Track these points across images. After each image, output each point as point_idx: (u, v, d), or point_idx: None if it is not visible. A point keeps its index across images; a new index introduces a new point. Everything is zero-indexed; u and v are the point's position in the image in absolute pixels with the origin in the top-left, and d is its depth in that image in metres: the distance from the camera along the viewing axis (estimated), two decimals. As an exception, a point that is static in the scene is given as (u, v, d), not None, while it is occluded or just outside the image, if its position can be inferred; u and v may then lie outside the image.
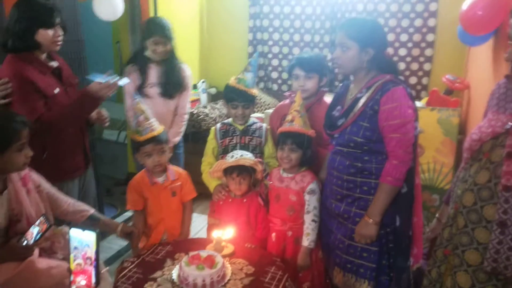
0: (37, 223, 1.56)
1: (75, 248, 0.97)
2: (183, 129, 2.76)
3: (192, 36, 4.23)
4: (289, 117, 1.96)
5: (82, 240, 0.97)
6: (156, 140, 1.97)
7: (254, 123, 2.21)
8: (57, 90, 1.95)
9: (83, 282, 0.97)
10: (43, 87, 1.89)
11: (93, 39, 3.76)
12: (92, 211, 1.85)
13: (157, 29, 2.48)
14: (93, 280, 0.96)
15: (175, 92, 2.63)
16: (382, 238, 1.71)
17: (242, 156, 1.93)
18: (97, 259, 0.96)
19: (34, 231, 1.55)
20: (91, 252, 0.96)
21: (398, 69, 1.80)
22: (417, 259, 1.77)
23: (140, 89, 2.55)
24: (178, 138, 2.71)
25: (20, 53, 1.88)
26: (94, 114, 2.23)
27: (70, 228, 1.00)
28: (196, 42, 4.31)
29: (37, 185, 1.72)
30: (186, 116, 2.77)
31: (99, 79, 1.93)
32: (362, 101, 1.69)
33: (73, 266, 0.97)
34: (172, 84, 2.60)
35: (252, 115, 2.29)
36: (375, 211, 1.68)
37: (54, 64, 2.01)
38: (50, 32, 1.90)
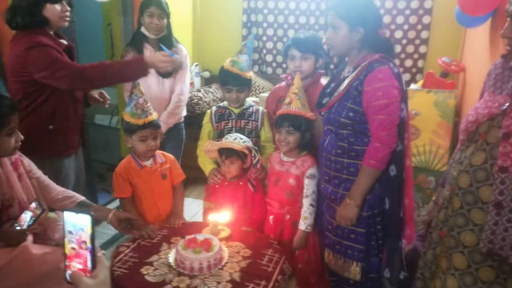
0: (30, 208, 1.53)
1: (69, 232, 0.94)
2: (178, 111, 2.68)
3: (185, 18, 4.15)
4: (287, 100, 1.93)
5: (76, 223, 0.94)
6: (154, 125, 1.93)
7: (250, 106, 2.18)
8: None
9: (79, 266, 0.94)
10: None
11: (84, 21, 3.67)
12: (82, 198, 1.82)
13: (152, 1, 2.47)
14: (89, 264, 0.93)
15: (170, 74, 2.58)
16: (369, 220, 1.70)
17: (235, 139, 1.91)
18: (92, 242, 0.93)
19: (27, 216, 1.52)
20: (85, 236, 0.93)
21: (392, 48, 1.75)
22: (410, 240, 1.76)
23: None
24: (171, 120, 2.66)
25: (30, 30, 1.84)
26: (96, 94, 2.20)
27: (63, 212, 0.97)
28: (189, 24, 4.23)
29: (28, 170, 1.68)
30: (183, 97, 2.69)
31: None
32: (346, 81, 1.67)
33: (68, 250, 0.94)
34: None
35: (247, 99, 2.25)
36: (356, 193, 1.66)
37: (64, 42, 1.97)
38: (58, 7, 1.86)
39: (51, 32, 1.93)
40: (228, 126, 2.15)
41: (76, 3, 2.71)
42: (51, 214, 1.66)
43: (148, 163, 1.99)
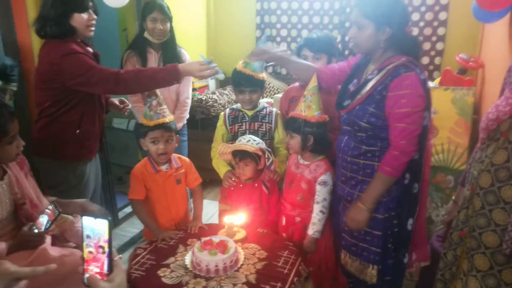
0: (46, 211, 1.57)
1: (88, 236, 0.95)
2: (185, 114, 2.72)
3: (199, 20, 4.18)
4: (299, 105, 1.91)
5: (94, 228, 0.96)
6: (165, 127, 1.94)
7: (264, 107, 2.18)
8: None
9: (96, 270, 0.96)
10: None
11: (100, 27, 3.72)
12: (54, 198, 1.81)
13: (154, 6, 2.48)
14: (106, 267, 0.95)
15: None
16: (385, 222, 1.67)
17: (249, 142, 1.91)
18: (110, 246, 0.95)
19: (44, 220, 1.55)
20: (103, 240, 0.95)
21: (420, 47, 1.69)
22: (425, 258, 1.76)
23: None
24: (180, 124, 2.68)
25: (59, 38, 1.88)
26: (117, 101, 2.24)
27: (82, 216, 0.99)
28: (203, 27, 4.26)
29: (29, 169, 1.71)
30: (188, 101, 2.74)
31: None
32: (370, 84, 1.61)
33: (86, 254, 0.96)
34: None
35: (261, 100, 2.25)
36: (369, 198, 1.63)
37: (91, 50, 2.01)
38: (85, 15, 1.89)
39: (79, 40, 1.97)
40: (242, 129, 2.15)
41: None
42: (68, 217, 1.69)
43: (164, 167, 2.00)
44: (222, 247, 1.61)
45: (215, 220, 2.77)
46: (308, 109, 1.84)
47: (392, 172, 1.58)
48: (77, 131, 1.97)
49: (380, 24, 1.57)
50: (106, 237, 0.94)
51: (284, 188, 2.02)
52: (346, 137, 1.75)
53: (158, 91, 1.95)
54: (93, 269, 0.95)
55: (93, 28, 1.95)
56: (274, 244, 1.79)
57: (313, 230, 1.88)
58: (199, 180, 2.10)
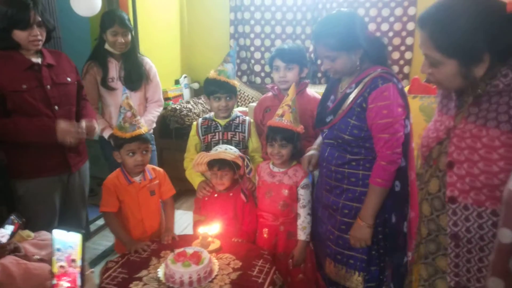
0: (8, 221, 1.52)
1: (58, 250, 0.93)
2: (154, 118, 2.72)
3: (173, 30, 4.17)
4: (279, 111, 1.91)
5: (66, 241, 0.94)
6: (142, 139, 1.92)
7: (237, 116, 2.18)
8: (24, 86, 1.89)
9: (67, 285, 0.94)
10: (3, 81, 1.85)
11: (71, 36, 3.66)
12: None
13: (114, 20, 2.45)
14: (78, 282, 0.93)
15: (137, 85, 2.61)
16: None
17: (226, 150, 1.91)
18: (83, 260, 0.93)
19: (7, 230, 1.51)
20: (75, 254, 0.93)
21: (384, 47, 1.71)
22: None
23: (103, 83, 2.55)
24: (150, 127, 2.67)
25: (4, 50, 1.89)
26: (84, 131, 2.11)
27: (53, 230, 0.97)
28: (177, 36, 4.25)
29: None
30: (160, 104, 2.75)
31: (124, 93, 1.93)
32: (350, 97, 1.64)
33: (56, 269, 0.94)
34: (134, 77, 2.58)
35: (236, 109, 2.26)
36: (367, 213, 1.65)
37: (35, 60, 1.96)
38: (25, 32, 1.86)
39: (31, 51, 1.94)
40: (215, 139, 2.14)
41: (64, 18, 2.73)
42: (24, 232, 1.66)
43: (137, 178, 1.97)
44: (196, 258, 1.59)
45: (189, 231, 2.74)
46: (295, 120, 1.89)
47: (383, 183, 1.60)
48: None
49: (350, 49, 1.60)
50: (79, 250, 0.93)
51: (259, 200, 2.01)
52: (329, 148, 1.77)
53: (130, 101, 1.93)
54: (63, 284, 0.93)
55: (38, 43, 1.91)
56: (249, 253, 1.78)
57: (305, 234, 1.90)
58: (172, 192, 2.08)
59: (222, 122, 2.15)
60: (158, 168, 2.09)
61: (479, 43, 1.06)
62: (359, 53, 1.62)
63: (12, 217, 1.53)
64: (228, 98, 2.09)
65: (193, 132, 2.19)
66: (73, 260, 0.93)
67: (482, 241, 1.16)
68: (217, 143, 2.11)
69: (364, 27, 1.65)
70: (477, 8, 1.06)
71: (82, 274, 0.93)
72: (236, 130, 2.15)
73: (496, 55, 1.06)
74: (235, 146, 2.06)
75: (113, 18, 2.45)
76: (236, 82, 2.13)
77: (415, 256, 1.41)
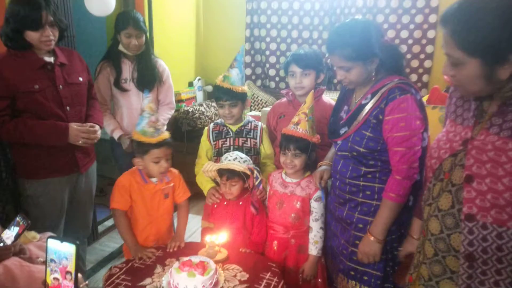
0: (14, 223, 1.49)
1: (52, 260, 0.89)
2: (166, 121, 2.69)
3: (188, 32, 4.15)
4: (295, 119, 1.84)
5: (60, 251, 0.89)
6: (168, 143, 1.86)
7: (249, 122, 2.12)
8: (37, 86, 1.87)
9: None
10: (16, 81, 1.84)
11: (87, 36, 3.67)
12: None
13: (128, 21, 2.42)
14: None
15: (150, 88, 2.57)
16: (387, 246, 1.62)
17: (235, 159, 1.85)
18: (76, 272, 0.88)
19: (12, 232, 1.48)
20: (70, 266, 0.89)
21: (402, 57, 1.65)
22: None
23: (116, 84, 2.53)
24: (168, 118, 2.67)
25: (16, 49, 1.87)
26: (97, 135, 2.09)
27: (47, 238, 0.92)
28: (192, 38, 4.23)
29: None
30: (171, 107, 2.72)
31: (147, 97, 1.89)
32: (366, 108, 1.57)
33: (50, 280, 0.89)
34: (146, 79, 2.56)
35: (249, 113, 2.21)
36: (378, 229, 1.57)
37: (48, 59, 1.94)
38: (37, 33, 1.84)
39: (43, 51, 1.92)
40: (226, 145, 2.09)
41: (80, 17, 2.72)
42: (30, 233, 1.63)
43: (154, 179, 1.91)
44: (202, 268, 1.54)
45: (197, 236, 2.69)
46: (311, 129, 1.82)
47: (397, 198, 1.53)
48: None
49: (365, 59, 1.53)
50: (73, 262, 0.89)
51: (270, 211, 1.93)
52: (342, 160, 1.70)
53: (153, 105, 1.87)
54: None
55: (50, 43, 1.89)
56: (256, 265, 1.72)
57: (317, 249, 1.84)
58: (187, 194, 2.03)
59: (234, 127, 2.10)
60: (173, 170, 2.03)
61: (504, 41, 0.97)
62: (375, 62, 1.55)
63: (18, 218, 1.51)
64: (231, 105, 2.03)
65: (204, 137, 2.14)
66: (68, 272, 0.88)
67: (500, 263, 1.08)
68: (228, 149, 2.06)
69: (380, 35, 1.58)
70: (503, 3, 0.98)
71: (76, 287, 0.88)
72: (248, 136, 2.09)
73: None
74: (247, 152, 2.01)
75: (127, 20, 2.43)
76: (243, 88, 2.05)
77: (413, 276, 1.31)
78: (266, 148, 2.11)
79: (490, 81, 1.04)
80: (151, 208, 1.92)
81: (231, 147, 2.07)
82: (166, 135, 1.86)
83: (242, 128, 2.10)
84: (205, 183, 2.05)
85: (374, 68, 1.56)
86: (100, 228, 3.12)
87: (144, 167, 1.87)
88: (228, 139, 2.09)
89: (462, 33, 1.02)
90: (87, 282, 0.96)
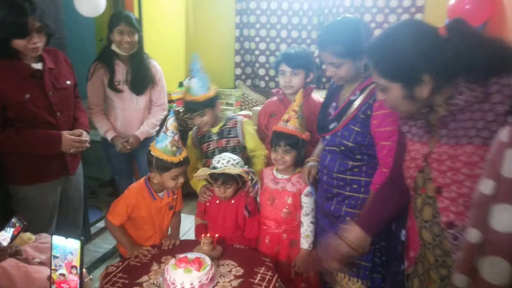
0: (10, 224, 1.50)
1: (55, 257, 0.92)
2: (159, 121, 2.70)
3: (178, 33, 4.16)
4: (285, 116, 1.89)
5: (65, 247, 0.92)
6: (187, 161, 1.89)
7: (228, 120, 2.13)
8: (27, 96, 1.85)
9: None
10: (6, 92, 1.80)
11: (76, 36, 3.66)
12: None
13: (121, 18, 2.44)
14: None
15: (143, 89, 2.59)
16: (375, 236, 1.66)
17: (228, 162, 1.87)
18: (81, 268, 0.91)
19: (8, 234, 1.49)
20: (76, 261, 0.92)
21: None
22: (412, 262, 1.74)
23: (110, 85, 2.53)
24: (153, 131, 2.67)
25: (3, 58, 1.83)
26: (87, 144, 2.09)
27: (52, 236, 0.95)
28: (182, 38, 4.24)
29: None
30: (164, 108, 2.72)
31: None
32: (355, 104, 1.63)
33: (55, 276, 0.92)
34: (140, 81, 2.57)
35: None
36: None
37: (36, 66, 1.91)
38: (24, 40, 1.80)
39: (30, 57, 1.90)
40: (210, 148, 2.11)
41: (68, 18, 2.72)
42: (25, 235, 1.64)
43: (161, 194, 1.94)
44: (198, 264, 1.57)
45: (190, 235, 2.71)
46: (301, 126, 1.87)
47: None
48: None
49: (355, 56, 1.59)
50: (79, 257, 0.92)
51: (262, 207, 1.98)
52: (329, 155, 1.75)
53: (176, 124, 1.85)
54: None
55: (37, 49, 1.86)
56: (251, 260, 1.76)
57: (308, 243, 1.88)
58: (181, 206, 2.08)
59: (214, 130, 2.10)
60: None
61: (417, 65, 1.11)
62: (364, 60, 1.61)
63: (14, 220, 1.51)
64: (200, 115, 2.04)
65: (189, 143, 2.17)
66: (73, 267, 0.91)
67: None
68: (213, 153, 2.08)
69: (369, 34, 1.64)
70: (412, 34, 1.14)
71: (81, 281, 0.91)
72: (229, 136, 2.10)
73: (438, 76, 1.11)
74: (232, 152, 2.01)
75: (119, 17, 2.45)
76: (207, 94, 2.03)
77: (426, 281, 1.36)
78: (249, 141, 2.12)
79: (413, 100, 1.17)
80: (157, 220, 1.95)
81: (216, 150, 2.09)
82: (185, 153, 1.87)
83: (223, 128, 2.11)
84: (197, 182, 2.07)
85: (362, 65, 1.62)
86: (93, 229, 3.12)
87: (159, 181, 1.87)
88: (211, 143, 2.11)
89: (382, 63, 1.17)
90: (91, 276, 0.99)
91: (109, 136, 2.55)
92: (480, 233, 0.95)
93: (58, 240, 0.92)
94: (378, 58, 1.19)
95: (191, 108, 2.04)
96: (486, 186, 0.93)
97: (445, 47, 1.10)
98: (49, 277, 0.92)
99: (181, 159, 1.83)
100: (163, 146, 1.82)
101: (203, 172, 1.88)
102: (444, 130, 1.17)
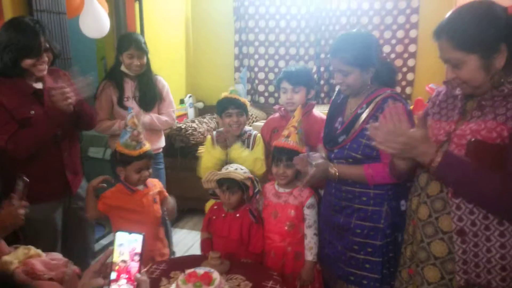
0: (19, 182, 1.62)
1: (121, 245, 1.02)
2: (164, 127, 2.80)
3: (178, 50, 4.24)
4: (285, 132, 1.94)
5: (130, 238, 1.04)
6: (149, 155, 1.98)
7: (245, 132, 2.24)
8: (32, 112, 1.90)
9: (124, 282, 1.03)
10: (12, 108, 1.86)
11: (78, 55, 3.71)
12: None
13: (131, 43, 2.51)
14: (137, 275, 1.05)
15: (152, 105, 2.66)
16: (383, 248, 1.70)
17: (236, 170, 1.93)
18: (141, 258, 1.03)
19: (19, 187, 1.62)
20: (139, 248, 1.03)
21: (395, 72, 1.81)
22: None
23: (120, 103, 2.60)
24: (154, 123, 2.69)
25: (9, 77, 1.88)
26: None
27: (116, 232, 1.09)
28: (182, 56, 4.32)
29: None
30: (170, 116, 2.78)
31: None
32: (362, 117, 1.68)
33: (117, 261, 1.02)
34: (148, 97, 2.64)
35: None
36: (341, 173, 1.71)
37: (37, 85, 1.97)
38: (33, 60, 1.87)
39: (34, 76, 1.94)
40: None
41: (72, 39, 2.78)
42: (33, 249, 1.68)
43: (140, 187, 2.02)
44: (207, 278, 1.59)
45: (195, 250, 2.73)
46: (301, 141, 1.93)
47: (370, 179, 1.65)
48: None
49: (363, 67, 1.65)
50: (140, 247, 1.02)
51: (266, 221, 2.01)
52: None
53: (136, 120, 1.95)
54: (123, 277, 1.02)
55: (43, 68, 1.92)
56: (258, 274, 1.78)
57: (312, 254, 1.90)
58: (166, 194, 2.15)
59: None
60: (152, 179, 2.12)
61: (495, 34, 1.17)
62: (371, 72, 1.67)
63: (18, 181, 1.62)
64: (239, 114, 2.15)
65: (208, 144, 2.24)
66: (137, 254, 1.02)
67: (488, 231, 1.21)
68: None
69: (379, 49, 1.73)
70: (485, 8, 1.21)
71: (140, 271, 1.03)
72: (244, 145, 2.19)
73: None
74: None
75: (129, 41, 2.52)
76: (246, 101, 2.20)
77: (413, 268, 1.43)
78: (256, 151, 2.19)
79: (489, 71, 1.20)
80: (146, 211, 1.99)
81: None
82: (147, 147, 1.98)
83: (240, 137, 2.21)
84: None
85: (369, 77, 1.68)
86: (97, 246, 3.12)
87: (124, 175, 1.98)
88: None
89: (458, 35, 1.21)
90: (145, 269, 1.11)
91: (122, 124, 2.55)
92: None
93: (121, 236, 1.03)
94: (455, 31, 1.22)
95: (234, 104, 2.14)
96: None
97: None
98: (111, 263, 1.01)
99: (141, 152, 1.94)
100: (124, 141, 1.94)
101: (210, 175, 1.95)
102: (478, 112, 1.24)
